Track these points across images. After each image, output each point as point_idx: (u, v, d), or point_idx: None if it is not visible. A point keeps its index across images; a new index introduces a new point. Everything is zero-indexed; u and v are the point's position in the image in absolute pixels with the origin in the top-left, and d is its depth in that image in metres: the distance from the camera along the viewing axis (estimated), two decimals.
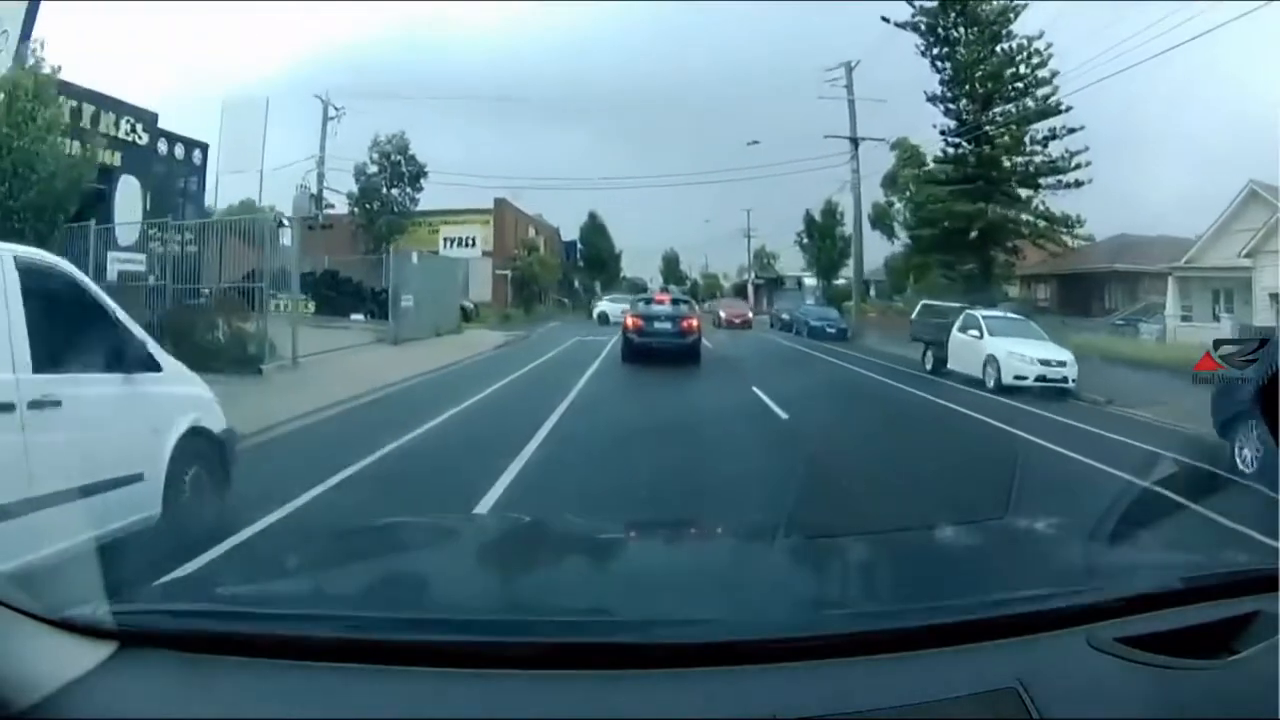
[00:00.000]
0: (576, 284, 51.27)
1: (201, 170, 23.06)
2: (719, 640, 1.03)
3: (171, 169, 19.92)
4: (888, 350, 20.98)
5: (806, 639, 1.04)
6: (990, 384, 13.26)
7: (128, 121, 16.65)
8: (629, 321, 15.79)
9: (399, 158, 35.14)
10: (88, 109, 14.93)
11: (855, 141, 26.08)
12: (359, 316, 21.85)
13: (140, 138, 17.12)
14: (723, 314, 32.96)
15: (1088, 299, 30.36)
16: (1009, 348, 13.39)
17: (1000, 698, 0.95)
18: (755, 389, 11.39)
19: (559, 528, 2.10)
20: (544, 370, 14.52)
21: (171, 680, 0.96)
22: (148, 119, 17.43)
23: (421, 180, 35.51)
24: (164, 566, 2.11)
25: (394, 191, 35.65)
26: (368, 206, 35.30)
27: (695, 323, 15.77)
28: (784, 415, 9.56)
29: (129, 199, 16.07)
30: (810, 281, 46.01)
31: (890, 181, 34.98)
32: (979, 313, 14.98)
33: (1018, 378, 12.86)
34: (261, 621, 1.08)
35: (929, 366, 16.02)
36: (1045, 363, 12.98)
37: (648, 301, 17.58)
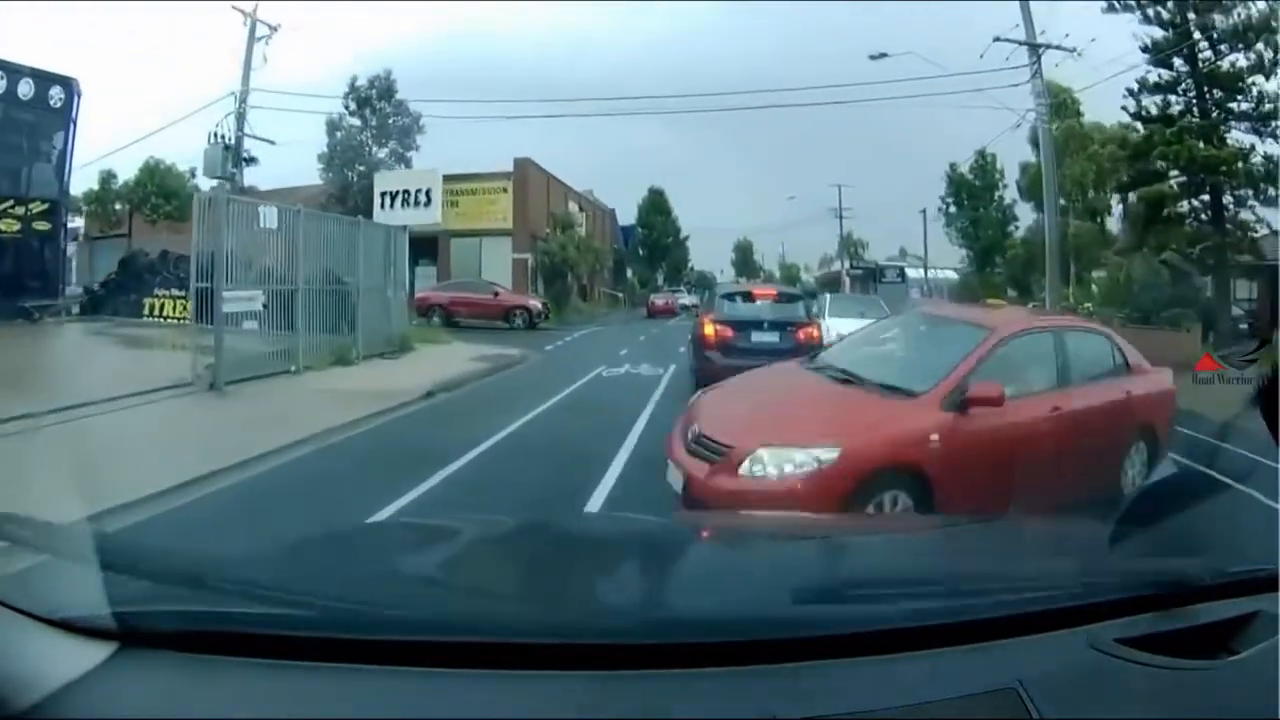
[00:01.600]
0: (631, 274, 41.47)
1: (66, 117, 17.42)
2: (718, 640, 1.02)
3: (11, 113, 15.93)
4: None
5: (806, 638, 1.03)
6: None
7: None
8: (707, 330, 9.89)
9: (383, 105, 26.03)
10: None
11: (1035, 48, 15.80)
12: (252, 325, 13.02)
13: None
14: None
15: None
16: None
17: (1000, 698, 0.95)
18: None
19: (560, 527, 2.12)
20: None
21: (171, 680, 0.96)
22: None
23: (415, 135, 26.30)
24: (164, 566, 1.56)
25: (380, 152, 26.58)
26: (347, 171, 26.38)
27: (816, 333, 10.10)
28: None
29: None
30: (915, 273, 35.78)
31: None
32: None
33: None
34: (261, 622, 1.05)
35: None
36: None
37: (735, 298, 10.82)
